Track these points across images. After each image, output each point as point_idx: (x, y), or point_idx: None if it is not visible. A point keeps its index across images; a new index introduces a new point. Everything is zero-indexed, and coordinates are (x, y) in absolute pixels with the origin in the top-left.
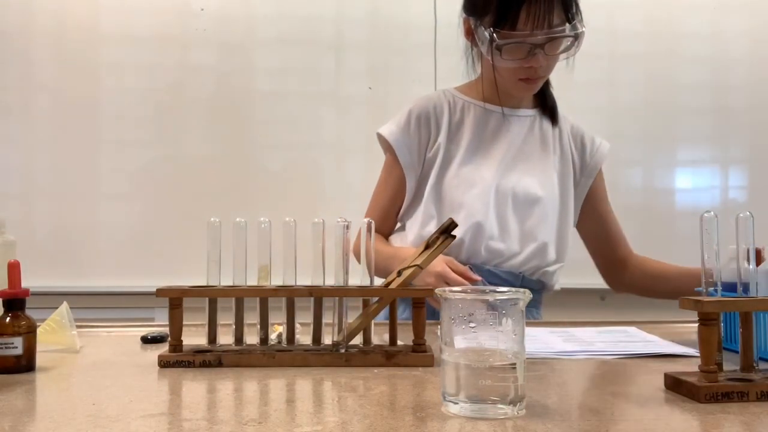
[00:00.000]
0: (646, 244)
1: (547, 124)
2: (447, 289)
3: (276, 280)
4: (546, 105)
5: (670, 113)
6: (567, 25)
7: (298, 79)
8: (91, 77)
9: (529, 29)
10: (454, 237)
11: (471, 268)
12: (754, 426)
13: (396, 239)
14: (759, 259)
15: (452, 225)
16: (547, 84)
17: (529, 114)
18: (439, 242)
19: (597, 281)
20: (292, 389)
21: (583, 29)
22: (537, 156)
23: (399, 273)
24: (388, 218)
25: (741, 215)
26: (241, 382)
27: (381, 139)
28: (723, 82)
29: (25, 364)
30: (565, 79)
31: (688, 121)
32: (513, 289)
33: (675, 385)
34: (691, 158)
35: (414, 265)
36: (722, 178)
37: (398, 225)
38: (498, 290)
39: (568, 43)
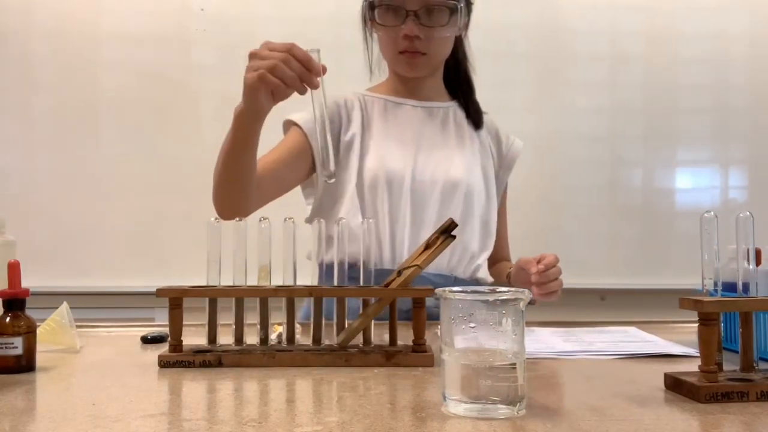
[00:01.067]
0: (646, 244)
1: (461, 117)
2: (447, 289)
3: (276, 280)
4: (468, 109)
5: (670, 113)
6: None
7: None
8: (91, 77)
9: None
10: (454, 237)
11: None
12: (754, 426)
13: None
14: (759, 259)
15: (452, 225)
16: (471, 90)
17: (442, 106)
18: (439, 242)
19: (597, 281)
20: (292, 389)
21: (462, 5)
22: (454, 143)
23: (399, 273)
24: (266, 170)
25: (741, 215)
26: (241, 382)
27: (289, 125)
28: (723, 82)
29: (25, 364)
30: (565, 79)
31: (688, 121)
32: (513, 289)
33: (675, 385)
34: (691, 158)
35: (414, 265)
36: (722, 178)
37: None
38: (498, 290)
39: (447, 16)
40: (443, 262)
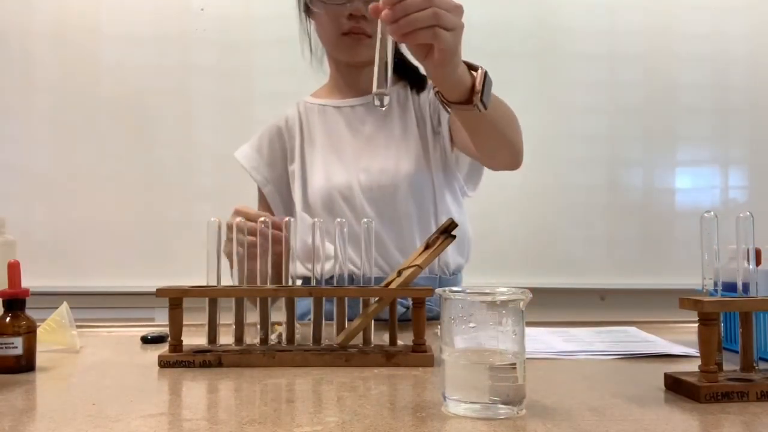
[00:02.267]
0: (646, 244)
1: (405, 96)
2: (447, 289)
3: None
4: (411, 79)
5: (670, 113)
6: None
7: (298, 79)
8: (91, 77)
9: None
10: (454, 237)
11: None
12: (754, 426)
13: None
14: (759, 259)
15: (452, 225)
16: (401, 55)
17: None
18: (439, 242)
19: (597, 281)
20: (292, 389)
21: None
22: (399, 135)
23: (399, 273)
24: None
25: (741, 215)
26: (241, 382)
27: (240, 162)
28: (723, 82)
29: (25, 364)
30: (564, 78)
31: (688, 121)
32: (513, 288)
33: (675, 385)
34: (691, 158)
35: (414, 266)
36: (722, 178)
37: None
38: (498, 290)
39: None
40: (395, 264)
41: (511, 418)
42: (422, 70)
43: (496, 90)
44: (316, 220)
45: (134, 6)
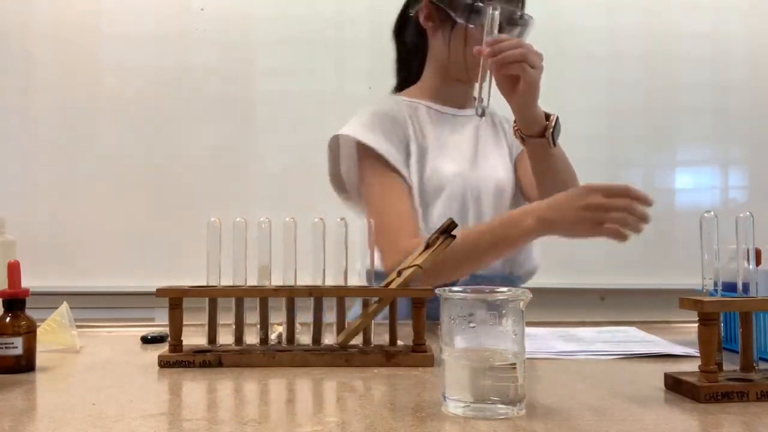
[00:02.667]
0: (646, 244)
1: (491, 116)
2: (447, 288)
3: (276, 280)
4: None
5: (670, 113)
6: (520, 13)
7: (298, 79)
8: (91, 77)
9: (505, 1)
10: (455, 237)
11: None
12: (754, 426)
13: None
14: (759, 259)
15: (452, 225)
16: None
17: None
18: (439, 242)
19: (597, 281)
20: (292, 389)
21: (533, 19)
22: (491, 147)
23: (399, 273)
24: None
25: (741, 215)
26: (241, 382)
27: (361, 147)
28: (723, 82)
29: (25, 364)
30: (564, 78)
31: (688, 121)
32: (513, 288)
33: (675, 385)
34: (691, 158)
35: (414, 265)
36: (722, 178)
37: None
38: (498, 290)
39: (520, 31)
40: (497, 263)
41: (511, 418)
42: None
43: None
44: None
45: (134, 6)
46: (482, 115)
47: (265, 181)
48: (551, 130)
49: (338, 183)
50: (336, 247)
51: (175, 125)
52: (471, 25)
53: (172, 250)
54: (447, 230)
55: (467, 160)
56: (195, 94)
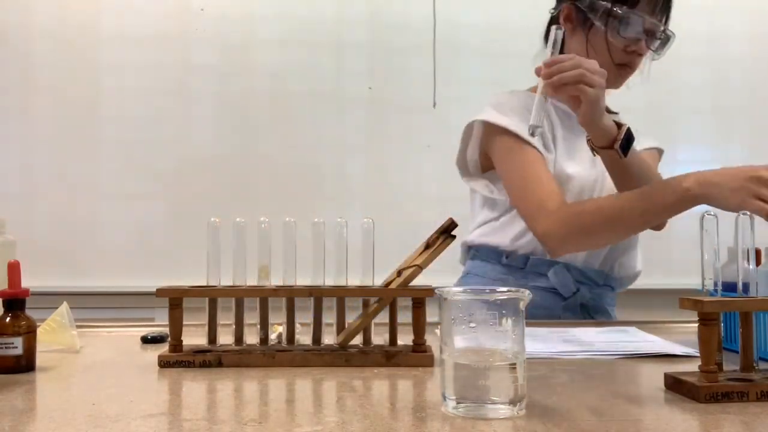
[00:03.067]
0: (646, 244)
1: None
2: (447, 289)
3: (276, 280)
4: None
5: (670, 113)
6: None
7: (298, 79)
8: (91, 77)
9: (647, 12)
10: (454, 237)
11: (565, 267)
12: (754, 426)
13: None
14: (759, 259)
15: (452, 225)
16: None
17: None
18: (439, 242)
19: None
20: (292, 389)
21: (674, 34)
22: (575, 136)
23: (399, 273)
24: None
25: (741, 215)
26: (241, 382)
27: (496, 128)
28: (723, 82)
29: (25, 364)
30: None
31: (688, 121)
32: (513, 289)
33: (675, 385)
34: (691, 158)
35: (414, 265)
36: None
37: (502, 214)
38: (498, 290)
39: (660, 43)
40: (596, 261)
41: (511, 418)
42: None
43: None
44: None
45: (134, 6)
46: (533, 134)
47: (265, 181)
48: (619, 142)
49: (463, 165)
50: (336, 247)
51: (174, 125)
52: (610, 30)
53: (172, 250)
54: (447, 230)
55: (588, 160)
56: (195, 94)
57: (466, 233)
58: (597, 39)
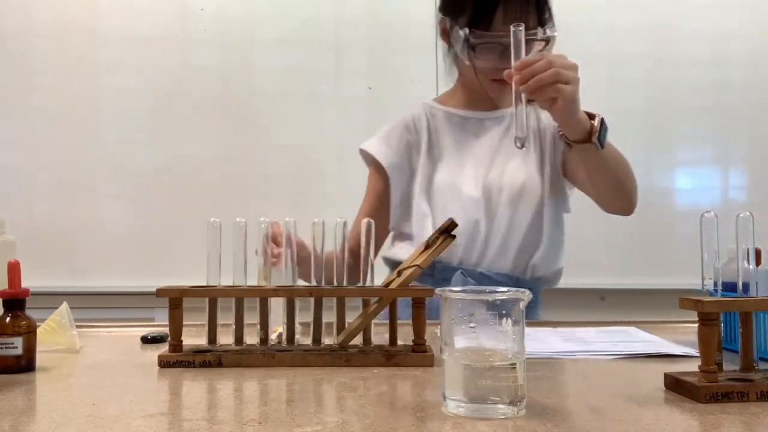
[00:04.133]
0: (646, 244)
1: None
2: (447, 289)
3: (276, 280)
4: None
5: (670, 113)
6: (539, 28)
7: (298, 79)
8: (91, 77)
9: (502, 30)
10: (454, 237)
11: (463, 273)
12: (754, 426)
13: (399, 245)
14: (759, 259)
15: (452, 225)
16: None
17: (507, 113)
18: (439, 242)
19: (597, 281)
20: (292, 389)
21: (555, 34)
22: (517, 151)
23: (399, 273)
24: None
25: (741, 215)
26: (241, 382)
27: (364, 154)
28: (723, 82)
29: (25, 364)
30: None
31: (688, 121)
32: (513, 289)
33: (675, 385)
34: (691, 158)
35: (414, 265)
36: (722, 178)
37: (393, 233)
38: (498, 290)
39: (540, 47)
40: (506, 264)
41: (511, 418)
42: None
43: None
44: (368, 220)
45: (134, 6)
46: (522, 146)
47: (265, 181)
48: (596, 134)
49: None
50: (336, 247)
51: (175, 125)
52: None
53: (172, 250)
54: (447, 230)
55: (483, 164)
56: (195, 94)
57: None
58: (473, 55)
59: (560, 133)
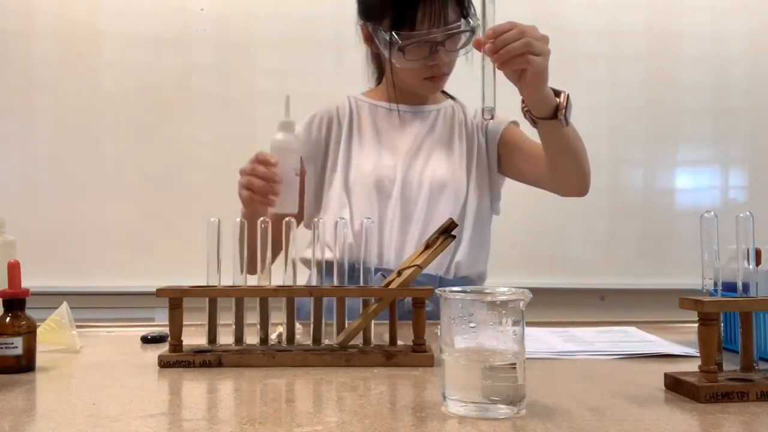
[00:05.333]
0: (646, 244)
1: (451, 114)
2: (447, 289)
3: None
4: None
5: (670, 113)
6: (462, 20)
7: (298, 79)
8: (91, 77)
9: (426, 28)
10: (454, 237)
11: (383, 275)
12: (754, 426)
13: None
14: (759, 259)
15: (452, 225)
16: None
17: (433, 108)
18: (439, 242)
19: (597, 281)
20: (292, 389)
21: (478, 23)
22: (443, 146)
23: (399, 273)
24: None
25: (741, 215)
26: (241, 382)
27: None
28: (723, 82)
29: (25, 364)
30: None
31: (688, 121)
32: (513, 288)
33: (675, 385)
34: (691, 158)
35: (414, 266)
36: (722, 178)
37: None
38: (498, 290)
39: (466, 38)
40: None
41: (511, 418)
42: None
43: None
44: (368, 220)
45: (134, 6)
46: (492, 117)
47: None
48: (563, 110)
49: None
50: (336, 247)
51: (175, 125)
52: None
53: (172, 250)
54: (447, 230)
55: (404, 158)
56: (195, 94)
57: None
58: (400, 55)
59: (525, 108)
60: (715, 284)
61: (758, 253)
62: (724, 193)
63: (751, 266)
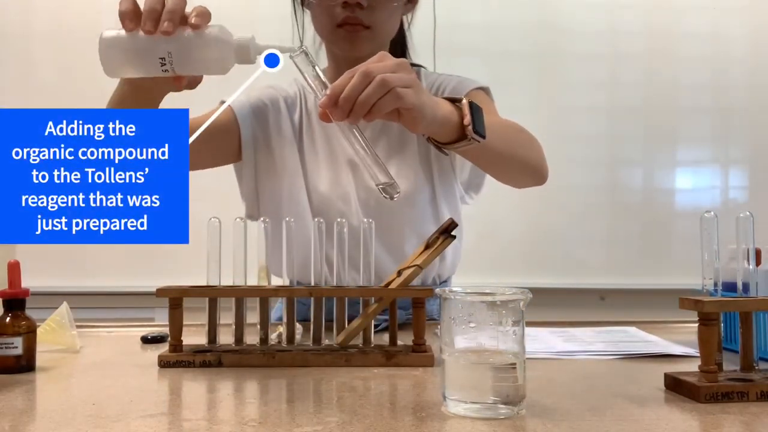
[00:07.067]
0: (646, 244)
1: None
2: (447, 289)
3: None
4: None
5: (670, 113)
6: None
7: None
8: (91, 77)
9: None
10: (454, 237)
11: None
12: (754, 426)
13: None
14: (759, 259)
15: (452, 225)
16: (404, 50)
17: None
18: (439, 242)
19: (597, 281)
20: (292, 389)
21: None
22: (395, 147)
23: (399, 273)
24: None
25: (741, 215)
26: (241, 382)
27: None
28: (723, 82)
29: (25, 364)
30: (564, 78)
31: (688, 121)
32: (513, 288)
33: (675, 385)
34: (691, 158)
35: (414, 266)
36: (722, 178)
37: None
38: (498, 290)
39: (404, 6)
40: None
41: (511, 418)
42: None
43: (496, 90)
44: (368, 220)
45: None
46: (395, 195)
47: None
48: (470, 125)
49: None
50: (335, 249)
51: None
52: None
53: (172, 250)
54: (447, 230)
55: (359, 167)
56: (195, 94)
57: None
58: (314, 4)
59: (427, 138)
60: (715, 284)
61: (758, 253)
62: (724, 193)
63: (751, 266)
